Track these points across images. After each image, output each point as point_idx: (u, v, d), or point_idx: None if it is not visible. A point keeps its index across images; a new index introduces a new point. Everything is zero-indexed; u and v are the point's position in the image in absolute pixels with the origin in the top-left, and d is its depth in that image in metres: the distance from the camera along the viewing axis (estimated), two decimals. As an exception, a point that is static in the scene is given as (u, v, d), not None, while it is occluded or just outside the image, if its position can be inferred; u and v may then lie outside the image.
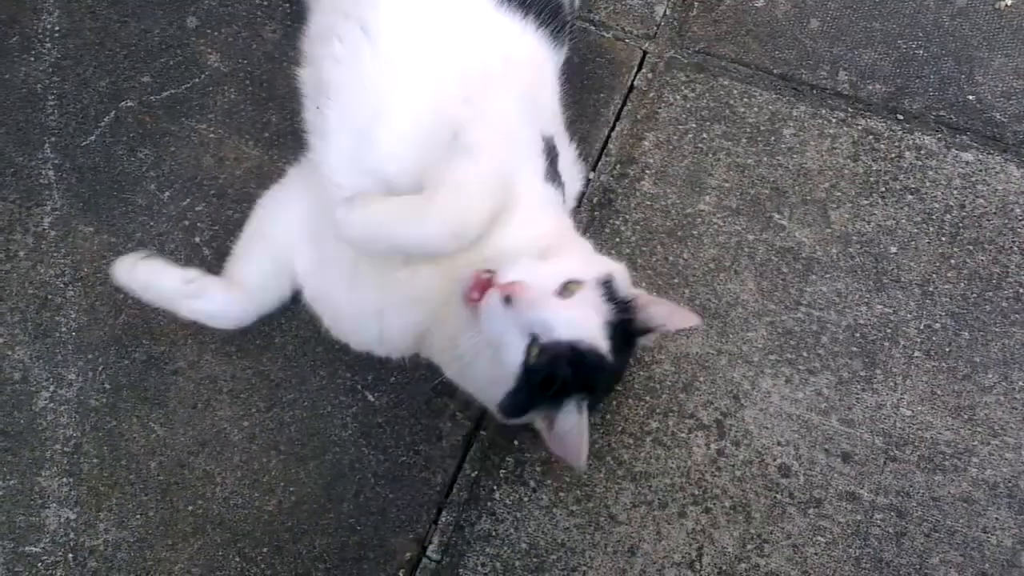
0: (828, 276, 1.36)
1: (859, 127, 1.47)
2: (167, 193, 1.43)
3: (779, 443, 1.27)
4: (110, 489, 1.27)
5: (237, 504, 1.26)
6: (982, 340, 1.32)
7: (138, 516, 1.25)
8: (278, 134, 1.46)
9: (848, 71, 1.50)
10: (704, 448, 1.28)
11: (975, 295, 1.34)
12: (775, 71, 1.50)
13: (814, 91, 1.49)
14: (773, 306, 1.34)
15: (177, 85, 1.52)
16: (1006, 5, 1.53)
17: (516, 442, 1.28)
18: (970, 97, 1.48)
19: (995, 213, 1.39)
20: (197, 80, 1.52)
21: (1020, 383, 1.29)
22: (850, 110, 1.48)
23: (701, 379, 1.31)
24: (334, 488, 1.26)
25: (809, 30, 1.54)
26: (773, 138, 1.45)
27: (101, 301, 1.36)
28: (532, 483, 1.26)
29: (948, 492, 1.24)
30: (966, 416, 1.28)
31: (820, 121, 1.47)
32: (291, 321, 1.35)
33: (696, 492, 1.25)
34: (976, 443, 1.26)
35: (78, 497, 1.26)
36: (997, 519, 1.22)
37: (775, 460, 1.27)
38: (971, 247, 1.37)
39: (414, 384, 1.31)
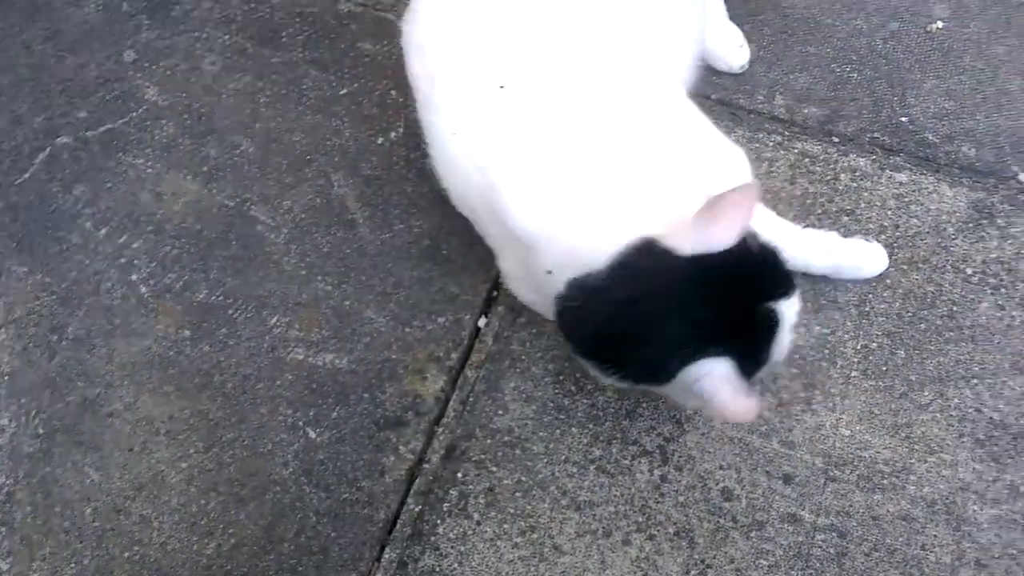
0: (767, 299, 1.40)
1: (796, 150, 1.50)
2: (103, 231, 1.43)
3: (721, 467, 1.29)
4: (44, 538, 1.26)
5: (175, 549, 1.25)
6: (918, 358, 1.35)
7: (73, 565, 1.24)
8: (217, 168, 1.48)
9: (784, 95, 1.54)
10: (647, 474, 1.29)
11: (910, 314, 1.37)
12: (713, 96, 1.53)
13: (751, 116, 1.52)
14: (714, 330, 1.38)
15: (114, 120, 1.52)
16: (937, 28, 1.58)
17: (459, 474, 1.30)
18: (903, 119, 1.52)
19: (928, 232, 1.43)
20: (134, 114, 1.52)
21: (955, 400, 1.32)
22: (787, 134, 1.51)
23: (644, 405, 1.33)
24: (275, 528, 1.26)
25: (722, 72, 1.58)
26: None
27: (35, 343, 1.36)
28: (476, 516, 1.27)
29: (887, 511, 1.26)
30: (903, 434, 1.30)
31: (758, 145, 1.50)
32: (231, 358, 1.35)
33: (640, 519, 1.26)
34: (914, 461, 1.29)
35: (11, 547, 1.25)
36: (935, 536, 1.25)
37: (718, 484, 1.28)
38: (905, 266, 1.40)
39: (357, 418, 1.32)
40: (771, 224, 1.36)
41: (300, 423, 1.31)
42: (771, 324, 1.05)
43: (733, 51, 1.55)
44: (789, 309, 1.07)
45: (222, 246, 1.43)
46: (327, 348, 1.35)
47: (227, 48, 1.57)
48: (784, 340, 1.08)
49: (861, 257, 1.41)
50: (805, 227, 1.40)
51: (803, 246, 1.38)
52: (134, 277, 1.40)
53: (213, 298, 1.39)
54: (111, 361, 1.34)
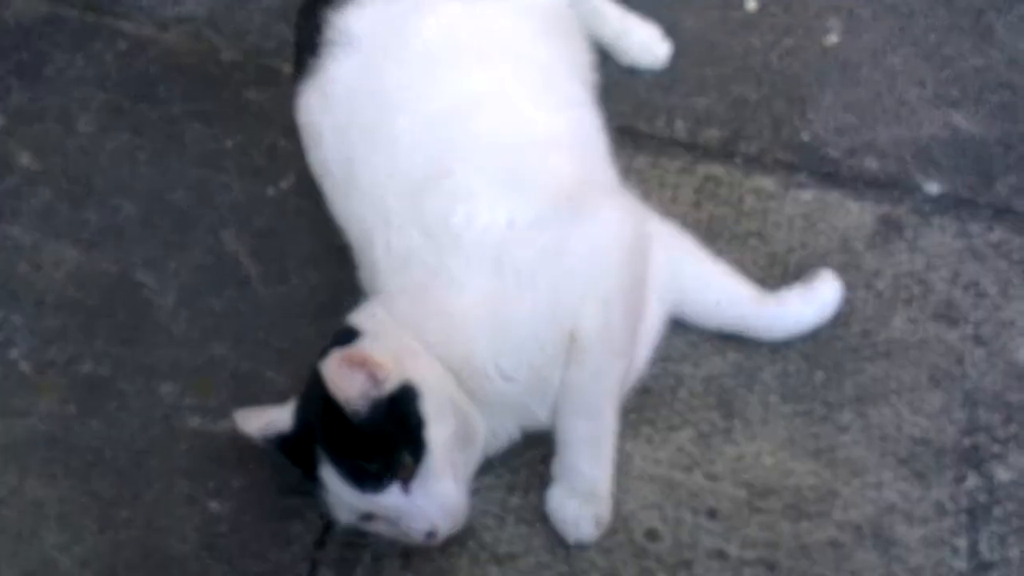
0: (679, 328, 1.43)
1: (699, 174, 1.57)
2: (-22, 306, 1.45)
3: (644, 506, 1.33)
4: (-73, 639, 1.26)
5: (70, 640, 1.26)
6: (836, 379, 1.40)
7: (-41, 667, 1.24)
8: (98, 233, 1.50)
9: (684, 119, 1.62)
10: (569, 520, 1.35)
11: (825, 334, 1.43)
12: (612, 124, 1.58)
13: (653, 141, 1.60)
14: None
15: (-14, 189, 1.54)
16: (832, 42, 1.67)
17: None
18: (804, 136, 1.60)
19: (837, 250, 1.50)
20: (8, 182, 1.54)
21: (876, 419, 1.38)
22: (689, 157, 1.58)
23: (561, 448, 1.38)
24: (177, 609, 1.27)
25: (643, 81, 1.65)
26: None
27: (-92, 430, 1.36)
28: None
29: (815, 538, 1.31)
30: (826, 458, 1.36)
31: (660, 171, 1.57)
32: (121, 432, 1.36)
33: (564, 569, 1.29)
34: (838, 485, 1.34)
35: None
36: (865, 560, 1.29)
37: (641, 525, 1.31)
38: (818, 286, 1.50)
39: (260, 486, 1.33)
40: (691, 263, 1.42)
41: (199, 495, 1.32)
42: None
43: (655, 44, 1.64)
44: None
45: (107, 315, 1.45)
46: (225, 413, 1.35)
47: (102, 107, 1.61)
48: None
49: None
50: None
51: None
52: (14, 353, 1.40)
53: (100, 370, 1.40)
54: (-10, 445, 1.34)
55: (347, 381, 1.14)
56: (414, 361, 1.22)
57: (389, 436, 1.16)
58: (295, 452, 1.23)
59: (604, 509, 1.30)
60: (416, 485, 1.16)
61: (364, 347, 1.20)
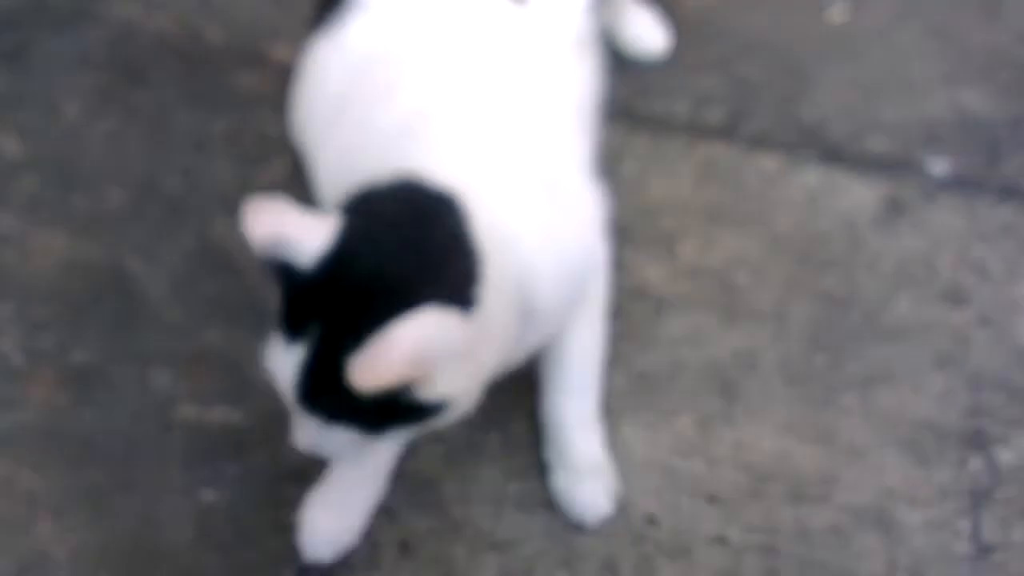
0: (680, 312, 1.44)
1: (700, 154, 1.57)
2: (-34, 297, 1.45)
3: (643, 493, 1.33)
4: (-81, 631, 1.27)
5: (64, 631, 1.27)
6: (838, 362, 1.41)
7: (-49, 658, 1.25)
8: (87, 220, 1.50)
9: (685, 99, 1.62)
10: (567, 507, 1.36)
11: (827, 317, 1.44)
12: (612, 104, 1.58)
13: (653, 122, 1.60)
14: (627, 349, 1.42)
15: (-29, 179, 1.54)
16: (837, 20, 1.67)
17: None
18: (807, 116, 1.60)
19: (841, 231, 1.50)
20: (-6, 170, 1.55)
21: (878, 402, 1.38)
22: (690, 138, 1.59)
23: (559, 434, 1.39)
24: (170, 599, 1.28)
25: (642, 61, 1.65)
26: (613, 174, 1.52)
27: (-101, 423, 1.37)
28: (388, 567, 1.28)
29: (816, 523, 1.31)
30: (827, 442, 1.36)
31: (660, 153, 1.57)
32: (114, 422, 1.36)
33: (563, 554, 1.29)
34: (840, 469, 1.34)
35: None
36: (866, 544, 1.30)
37: (640, 510, 1.32)
38: (820, 268, 1.48)
39: (255, 474, 1.34)
40: None
41: (192, 484, 1.32)
42: None
43: (657, 33, 1.64)
44: None
45: (97, 303, 1.45)
46: (219, 401, 1.37)
47: (90, 92, 1.61)
48: None
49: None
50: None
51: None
52: (4, 344, 1.41)
53: (91, 359, 1.41)
54: (-19, 437, 1.35)
55: (388, 369, 0.92)
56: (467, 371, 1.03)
57: (363, 404, 0.96)
58: (293, 293, 1.01)
59: (612, 481, 1.31)
60: (329, 434, 1.02)
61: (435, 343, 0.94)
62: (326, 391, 0.98)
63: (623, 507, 1.32)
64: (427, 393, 0.96)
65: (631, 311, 1.44)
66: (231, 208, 1.58)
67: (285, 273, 0.99)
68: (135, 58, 1.71)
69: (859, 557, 1.30)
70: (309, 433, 1.03)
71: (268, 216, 0.97)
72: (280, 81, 1.53)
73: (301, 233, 0.97)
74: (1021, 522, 1.29)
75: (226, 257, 1.50)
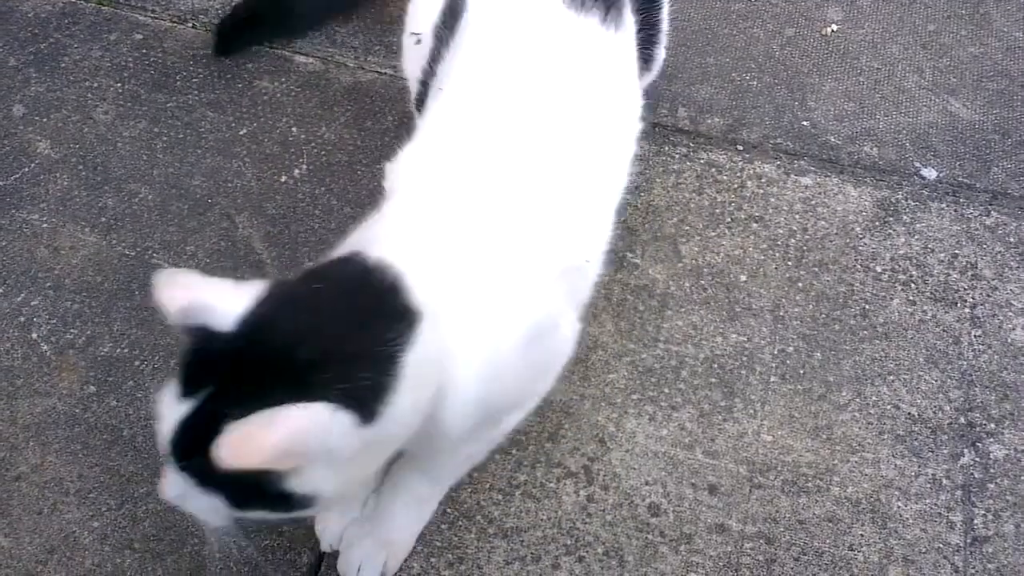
0: (683, 310, 1.49)
1: (701, 161, 1.63)
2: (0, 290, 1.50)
3: (647, 482, 1.38)
4: (-48, 609, 1.31)
5: (91, 609, 1.31)
6: (834, 359, 1.46)
7: (-17, 634, 1.30)
8: (115, 218, 1.55)
9: (687, 107, 1.67)
10: (574, 496, 1.37)
11: (824, 315, 1.49)
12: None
13: (656, 129, 1.65)
14: (632, 345, 1.47)
15: (6, 177, 1.59)
16: (832, 31, 1.73)
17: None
18: (804, 123, 1.66)
19: (836, 234, 1.56)
20: (27, 169, 1.60)
21: (873, 398, 1.43)
22: (692, 145, 1.64)
23: (566, 426, 1.42)
24: (194, 580, 1.33)
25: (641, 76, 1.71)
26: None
27: (-67, 410, 1.41)
28: (401, 551, 1.36)
29: (813, 514, 1.36)
30: (824, 436, 1.41)
31: (664, 158, 1.63)
32: (139, 411, 1.41)
33: (568, 542, 1.34)
34: (836, 462, 1.39)
35: (-82, 621, 1.30)
36: (862, 535, 1.35)
37: (644, 500, 1.37)
38: (816, 269, 1.53)
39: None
40: None
41: (215, 472, 1.38)
42: None
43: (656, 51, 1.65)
44: None
45: (124, 297, 1.50)
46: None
47: (120, 96, 1.66)
48: None
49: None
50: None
51: None
52: (34, 335, 1.46)
53: (118, 351, 1.46)
54: (15, 423, 1.39)
55: (255, 452, 0.89)
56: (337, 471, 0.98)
57: (228, 478, 0.92)
58: (197, 352, 0.97)
59: (395, 561, 1.30)
60: (194, 496, 0.98)
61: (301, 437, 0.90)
62: (197, 454, 0.93)
63: (627, 496, 1.37)
64: (295, 486, 0.93)
65: (636, 308, 1.50)
66: (254, 208, 1.66)
67: (200, 333, 0.96)
68: (163, 64, 1.76)
69: (855, 547, 1.34)
70: (174, 487, 0.99)
71: (179, 288, 0.97)
72: (301, 87, 1.60)
73: (217, 300, 0.96)
74: (1012, 514, 1.33)
75: (248, 255, 1.55)
